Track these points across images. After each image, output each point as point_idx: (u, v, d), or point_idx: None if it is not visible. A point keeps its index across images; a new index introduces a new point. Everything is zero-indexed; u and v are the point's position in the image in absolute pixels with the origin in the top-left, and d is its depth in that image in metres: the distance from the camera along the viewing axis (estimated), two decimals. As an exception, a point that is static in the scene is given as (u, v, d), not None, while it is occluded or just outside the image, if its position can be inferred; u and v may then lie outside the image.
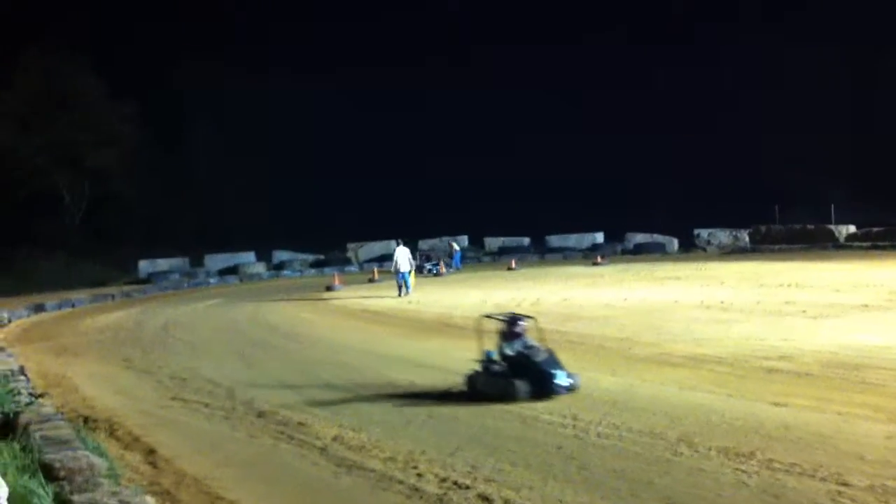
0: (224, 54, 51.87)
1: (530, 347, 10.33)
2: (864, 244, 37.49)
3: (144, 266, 39.70)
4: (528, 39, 58.65)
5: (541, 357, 10.11)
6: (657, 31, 55.25)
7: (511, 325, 10.52)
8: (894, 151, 43.89)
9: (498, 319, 10.89)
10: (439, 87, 54.26)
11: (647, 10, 56.45)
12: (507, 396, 9.60)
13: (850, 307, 16.43)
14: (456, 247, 38.95)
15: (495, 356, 10.40)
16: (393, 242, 43.18)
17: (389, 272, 27.68)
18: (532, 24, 59.18)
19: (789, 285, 21.65)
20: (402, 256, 25.84)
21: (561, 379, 9.80)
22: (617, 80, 54.27)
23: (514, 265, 36.69)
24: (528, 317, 10.95)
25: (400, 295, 25.14)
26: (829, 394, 9.18)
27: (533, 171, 52.43)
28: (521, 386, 9.65)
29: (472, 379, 10.36)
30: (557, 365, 9.99)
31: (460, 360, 12.74)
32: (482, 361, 10.43)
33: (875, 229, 38.32)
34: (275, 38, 58.38)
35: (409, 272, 25.97)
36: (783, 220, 42.65)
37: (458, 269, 37.09)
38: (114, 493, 5.90)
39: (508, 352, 10.27)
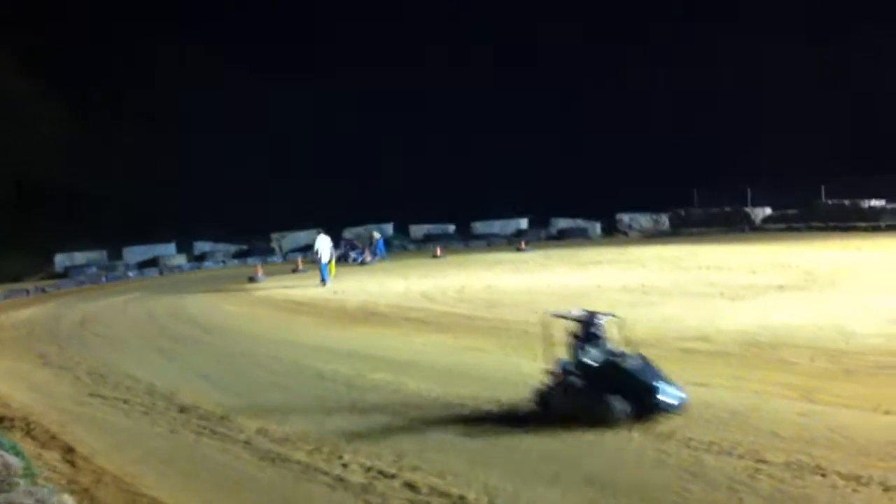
0: (147, 29, 50.78)
1: (618, 354, 8.40)
2: (780, 226, 38.45)
3: (61, 260, 38.69)
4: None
5: (635, 365, 8.18)
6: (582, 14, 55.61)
7: (587, 326, 8.57)
8: (809, 134, 45.02)
9: (570, 318, 8.96)
10: (364, 77, 53.98)
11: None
12: (599, 418, 7.71)
13: (767, 288, 16.83)
14: (377, 235, 38.75)
15: (569, 364, 8.48)
16: (315, 231, 43.13)
17: (313, 262, 27.49)
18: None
19: (708, 267, 22.10)
20: (324, 245, 26.06)
21: (667, 393, 7.82)
22: (540, 66, 54.58)
23: (439, 253, 36.71)
24: (609, 314, 9.05)
25: (323, 284, 25.13)
26: (746, 373, 9.40)
27: (457, 158, 52.54)
28: (617, 404, 7.73)
29: (543, 396, 8.45)
30: (659, 375, 8.03)
31: (384, 348, 12.77)
32: (557, 372, 8.49)
33: (790, 211, 39.31)
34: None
35: (330, 261, 26.15)
36: (702, 203, 43.48)
37: (383, 257, 36.98)
38: (30, 493, 5.78)
39: (589, 360, 8.29)
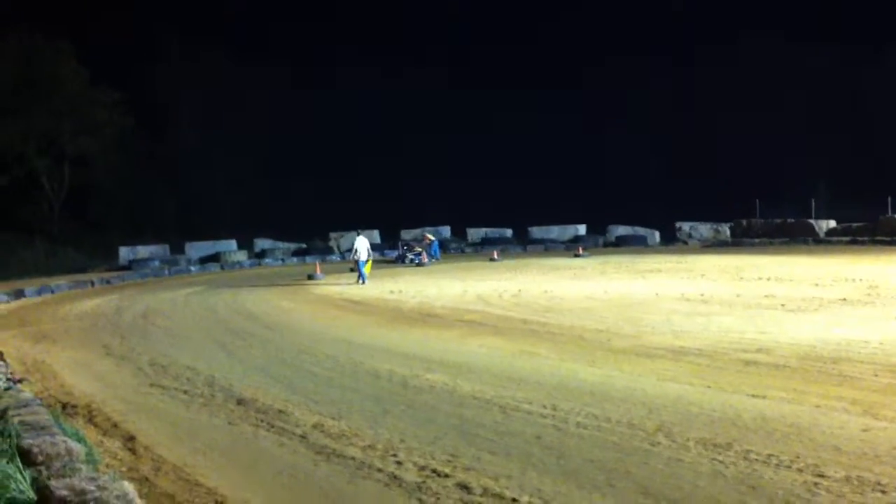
0: (213, 43, 51.61)
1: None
2: (844, 239, 37.81)
3: (125, 253, 39.42)
4: (512, 39, 58.79)
5: None
6: (647, 31, 55.33)
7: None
8: (875, 148, 44.21)
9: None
10: (421, 84, 54.19)
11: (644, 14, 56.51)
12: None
13: (829, 301, 16.57)
14: (430, 237, 38.85)
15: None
16: (375, 232, 43.46)
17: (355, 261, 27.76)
18: (520, 21, 59.34)
19: (769, 279, 21.81)
20: (362, 246, 27.07)
21: None
22: (603, 79, 54.35)
23: (496, 256, 36.73)
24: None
25: (359, 283, 26.24)
26: (806, 386, 9.25)
27: (518, 163, 52.58)
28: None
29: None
30: None
31: (440, 350, 12.81)
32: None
33: (855, 224, 38.63)
34: (264, 31, 58.14)
35: (367, 261, 27.07)
36: (764, 214, 42.91)
37: (437, 259, 37.08)
38: (92, 479, 5.86)
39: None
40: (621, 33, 55.50)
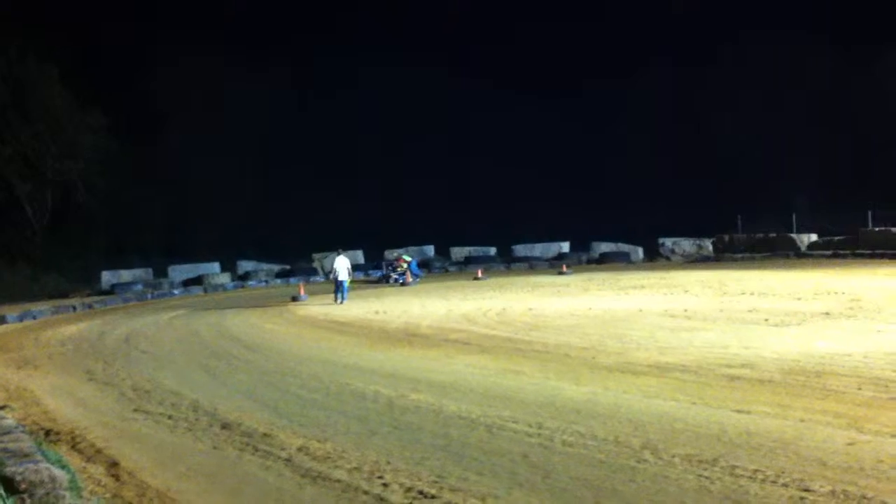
0: (189, 63, 51.46)
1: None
2: (826, 252, 38.03)
3: (107, 277, 39.23)
4: (504, 40, 58.76)
5: None
6: (633, 38, 55.52)
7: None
8: (856, 159, 44.53)
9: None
10: (400, 91, 54.13)
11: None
12: None
13: (812, 315, 16.65)
14: (406, 258, 38.79)
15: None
16: (359, 252, 43.44)
17: (356, 282, 27.88)
18: (501, 21, 59.43)
19: (752, 293, 21.91)
20: (342, 265, 27.62)
21: None
22: (580, 87, 54.49)
23: (480, 275, 36.75)
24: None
25: (336, 301, 26.86)
26: (790, 401, 9.29)
27: (500, 181, 52.61)
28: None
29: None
30: None
31: (425, 369, 12.80)
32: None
33: (836, 238, 38.86)
34: (243, 48, 58.04)
35: (347, 280, 27.65)
36: (746, 229, 43.12)
37: (420, 276, 37.06)
38: (75, 506, 5.84)
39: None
40: (604, 46, 55.69)
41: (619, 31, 55.66)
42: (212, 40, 51.41)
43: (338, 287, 27.38)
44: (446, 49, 57.17)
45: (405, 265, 36.88)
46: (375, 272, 39.79)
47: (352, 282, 28.91)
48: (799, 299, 19.84)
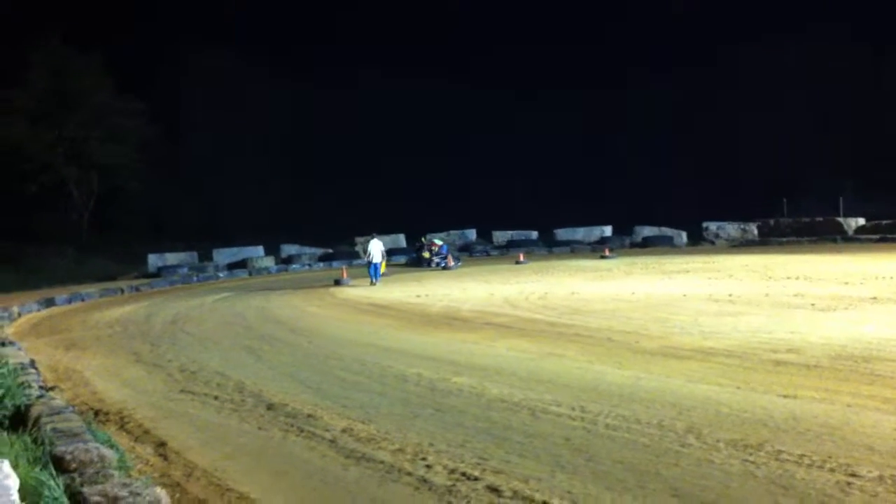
0: (233, 50, 51.87)
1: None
2: (873, 237, 37.44)
3: (153, 260, 39.76)
4: (535, 39, 58.68)
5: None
6: (665, 32, 55.10)
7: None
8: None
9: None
10: (445, 86, 54.20)
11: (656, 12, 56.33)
12: None
13: (859, 300, 16.42)
14: (438, 241, 38.83)
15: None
16: (401, 236, 43.58)
17: (397, 265, 28.11)
18: (540, 23, 59.26)
19: (797, 278, 21.65)
20: (376, 248, 28.61)
21: None
22: (626, 80, 54.17)
23: (522, 259, 36.69)
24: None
25: (372, 283, 27.74)
26: (837, 385, 9.17)
27: (543, 165, 52.51)
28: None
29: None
30: None
31: (467, 353, 12.82)
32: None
33: (884, 222, 38.25)
34: (283, 35, 58.39)
35: (381, 263, 28.66)
36: (792, 212, 42.59)
37: (459, 261, 37.09)
38: (124, 485, 5.93)
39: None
40: (649, 35, 55.29)
41: (676, 24, 55.27)
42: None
43: (372, 269, 28.36)
44: (482, 50, 57.36)
45: (436, 248, 37.04)
46: (411, 255, 40.03)
47: (395, 265, 29.22)
48: (846, 284, 19.57)
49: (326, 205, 49.35)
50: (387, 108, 54.29)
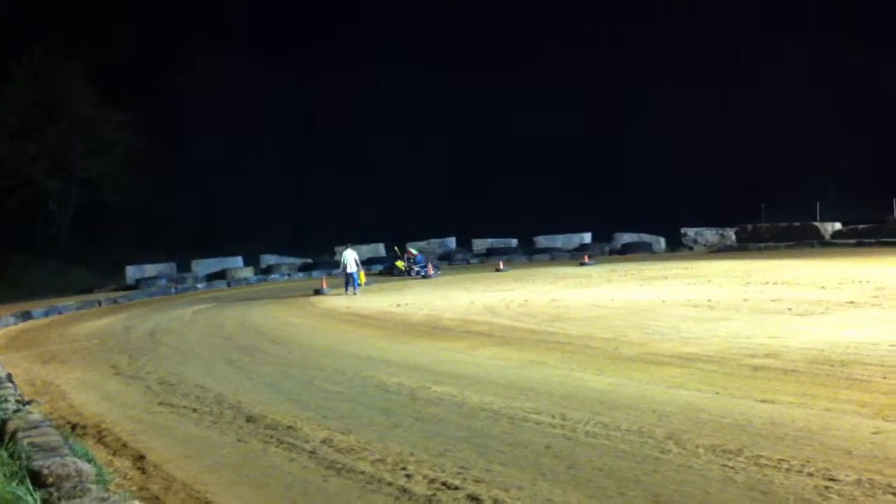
0: (211, 65, 51.68)
1: None
2: (850, 241, 37.75)
3: (132, 272, 39.56)
4: (518, 37, 58.75)
5: None
6: (650, 34, 55.36)
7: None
8: (880, 148, 44.11)
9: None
10: (423, 87, 54.19)
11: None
12: None
13: (837, 304, 16.54)
14: (413, 251, 38.91)
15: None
16: (381, 245, 43.56)
17: (372, 275, 28.18)
18: (529, 18, 59.40)
19: (776, 283, 21.79)
20: (350, 258, 28.81)
21: None
22: (604, 82, 54.36)
23: (502, 266, 36.75)
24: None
25: (347, 292, 28.10)
26: (815, 390, 9.22)
27: (521, 171, 52.56)
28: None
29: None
30: None
31: (448, 361, 12.81)
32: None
33: (861, 226, 38.56)
34: (267, 48, 58.26)
35: (358, 272, 28.98)
36: (769, 218, 42.86)
37: (438, 271, 37.11)
38: (102, 499, 5.89)
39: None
40: (622, 42, 55.53)
41: (639, 32, 55.58)
42: (230, 42, 51.73)
43: (347, 280, 28.66)
44: (476, 49, 57.40)
45: (412, 257, 37.23)
46: (386, 264, 40.06)
47: (371, 274, 29.27)
48: (823, 288, 19.71)
49: (305, 215, 49.28)
50: (366, 120, 54.21)
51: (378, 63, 55.04)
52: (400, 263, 37.45)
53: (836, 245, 38.06)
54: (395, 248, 40.06)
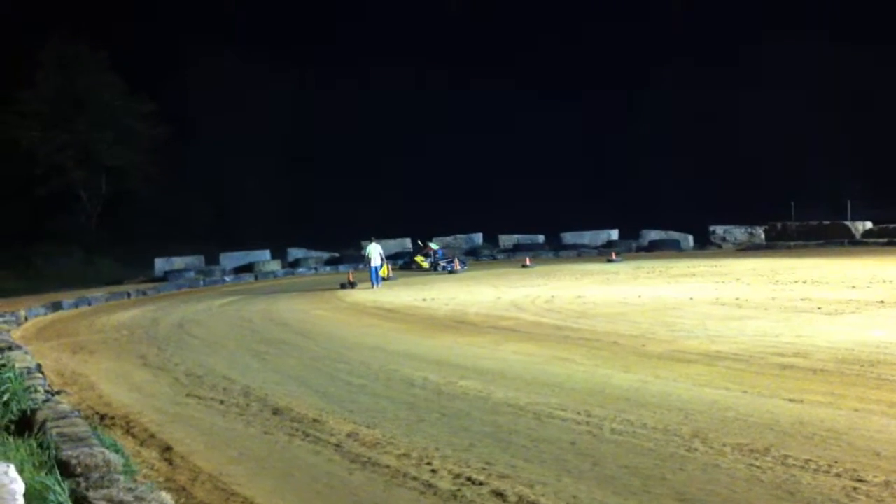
0: (240, 53, 51.90)
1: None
2: (881, 240, 37.34)
3: (160, 264, 39.84)
4: (539, 37, 58.60)
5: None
6: (668, 31, 55.03)
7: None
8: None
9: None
10: (451, 87, 54.21)
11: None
12: None
13: (866, 304, 16.36)
14: (434, 245, 38.90)
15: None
16: (408, 240, 43.62)
17: (397, 269, 28.27)
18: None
19: (805, 282, 21.59)
20: (374, 252, 29.13)
21: None
22: (630, 81, 54.12)
23: (528, 262, 36.67)
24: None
25: (373, 287, 28.21)
26: (844, 390, 9.13)
27: (549, 168, 52.46)
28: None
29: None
30: None
31: (473, 357, 12.81)
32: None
33: (892, 226, 38.14)
34: (291, 37, 58.39)
35: (381, 266, 29.23)
36: (799, 216, 42.49)
37: (465, 265, 37.14)
38: (130, 490, 5.93)
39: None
40: (648, 36, 55.21)
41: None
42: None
43: (373, 272, 28.92)
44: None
45: (431, 252, 37.29)
46: (407, 259, 40.13)
47: (394, 269, 29.43)
48: (853, 287, 19.50)
49: (331, 208, 49.37)
50: (389, 107, 54.21)
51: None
52: (419, 258, 37.50)
53: (866, 244, 37.66)
54: (418, 241, 40.13)
